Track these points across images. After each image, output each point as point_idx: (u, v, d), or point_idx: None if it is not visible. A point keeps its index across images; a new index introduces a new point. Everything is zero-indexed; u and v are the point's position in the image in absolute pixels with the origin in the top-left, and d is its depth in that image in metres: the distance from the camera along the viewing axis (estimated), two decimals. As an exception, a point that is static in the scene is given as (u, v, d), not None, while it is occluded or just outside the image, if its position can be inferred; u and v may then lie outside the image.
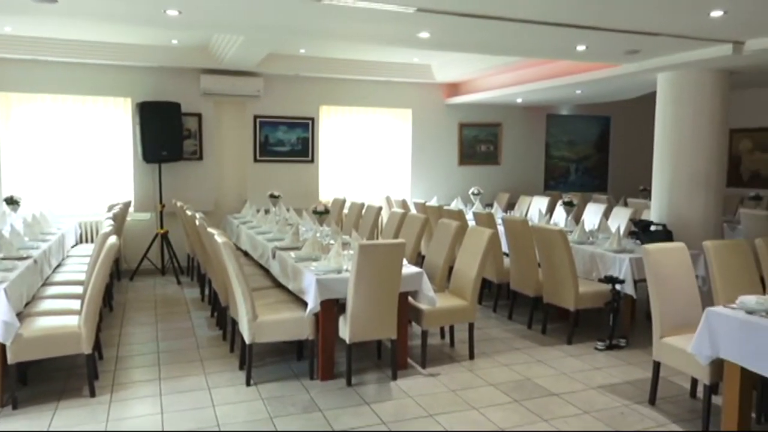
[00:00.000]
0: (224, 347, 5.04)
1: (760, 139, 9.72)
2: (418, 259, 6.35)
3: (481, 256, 4.77)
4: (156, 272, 8.13)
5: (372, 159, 9.71)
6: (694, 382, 4.06)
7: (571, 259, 5.18)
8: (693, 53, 5.32)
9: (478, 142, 10.39)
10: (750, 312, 3.27)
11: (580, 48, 5.19)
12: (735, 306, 3.40)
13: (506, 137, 10.57)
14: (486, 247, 4.77)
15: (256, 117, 8.88)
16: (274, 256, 5.24)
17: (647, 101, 7.42)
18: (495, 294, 6.41)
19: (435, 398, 4.04)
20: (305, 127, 9.16)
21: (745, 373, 3.30)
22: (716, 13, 3.99)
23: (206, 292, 6.65)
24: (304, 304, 4.31)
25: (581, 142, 11.21)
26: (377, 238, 7.67)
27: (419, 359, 4.65)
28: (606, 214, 7.40)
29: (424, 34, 4.94)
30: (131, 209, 8.08)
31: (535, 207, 8.54)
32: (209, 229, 4.91)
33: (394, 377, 4.35)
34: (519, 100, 9.47)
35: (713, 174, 6.06)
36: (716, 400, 3.64)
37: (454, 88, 9.98)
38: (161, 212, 8.03)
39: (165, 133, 7.69)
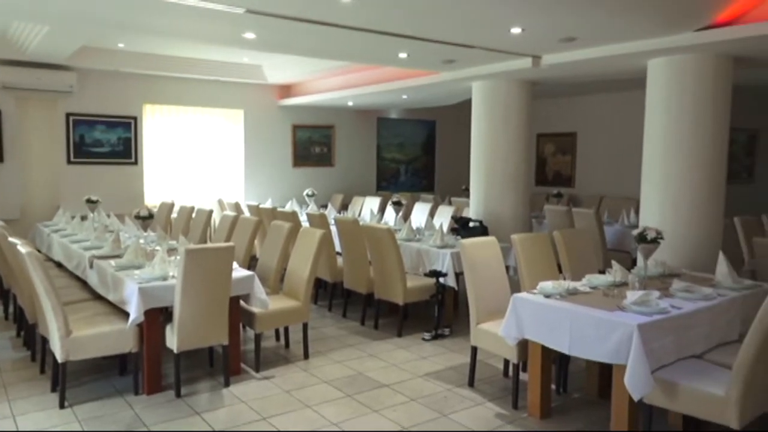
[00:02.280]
0: (33, 369, 4.56)
1: (561, 143, 10.99)
2: (252, 262, 6.26)
3: (313, 257, 4.83)
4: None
5: (203, 161, 9.37)
6: (507, 363, 4.47)
7: (399, 256, 5.45)
8: (501, 65, 5.88)
9: (312, 143, 10.50)
10: (547, 296, 3.70)
11: (402, 55, 5.49)
12: (536, 291, 3.83)
13: (339, 139, 10.80)
14: (318, 247, 4.85)
15: (69, 115, 8.14)
16: (91, 266, 4.84)
17: (467, 107, 8.04)
18: (329, 293, 6.52)
19: (269, 401, 4.02)
20: (127, 126, 8.58)
21: (545, 350, 3.73)
22: (516, 30, 4.46)
23: (11, 309, 5.95)
24: (127, 315, 4.05)
25: (410, 145, 11.81)
26: (209, 242, 7.41)
27: (253, 363, 4.59)
28: (432, 213, 7.89)
29: (250, 35, 4.89)
30: None
31: (367, 207, 8.83)
32: (11, 239, 4.41)
33: (227, 384, 4.26)
34: (350, 103, 9.73)
35: (522, 174, 6.74)
36: (525, 377, 4.05)
37: (286, 90, 9.97)
38: (-48, 221, 7.03)
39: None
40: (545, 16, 4.21)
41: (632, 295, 3.44)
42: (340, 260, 6.32)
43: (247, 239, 5.73)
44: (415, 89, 7.60)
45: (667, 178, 5.18)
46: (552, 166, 11.16)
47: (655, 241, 3.86)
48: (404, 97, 8.66)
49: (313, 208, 8.57)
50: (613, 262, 4.21)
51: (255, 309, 4.52)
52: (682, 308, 3.45)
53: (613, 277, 4.05)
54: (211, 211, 7.00)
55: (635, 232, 3.91)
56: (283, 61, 8.36)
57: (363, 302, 5.96)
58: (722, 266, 4.10)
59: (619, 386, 3.23)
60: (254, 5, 3.98)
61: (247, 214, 7.53)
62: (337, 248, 6.38)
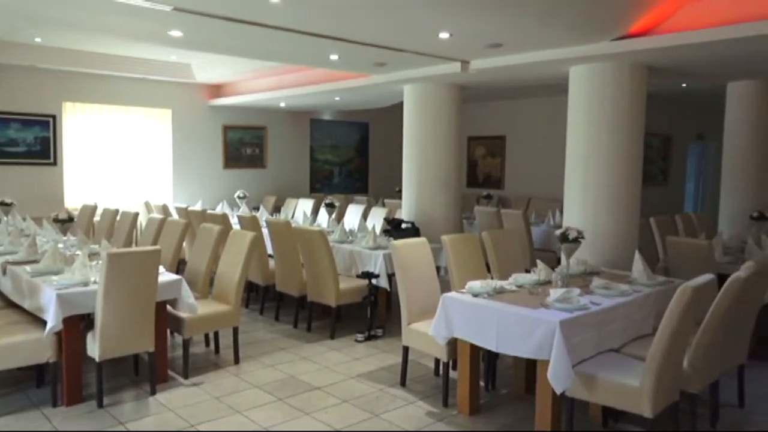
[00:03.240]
0: (-61, 383, 4.27)
1: (490, 146, 11.28)
2: (181, 266, 6.09)
3: (244, 260, 4.76)
4: None
5: (128, 162, 9.04)
6: (438, 362, 4.55)
7: (332, 258, 5.44)
8: (431, 69, 5.98)
9: (244, 144, 10.33)
10: (475, 295, 3.79)
11: (334, 57, 5.49)
12: (464, 291, 3.92)
13: (272, 140, 10.67)
14: (248, 250, 4.78)
15: (-21, 112, 7.66)
16: (4, 272, 4.58)
17: (400, 109, 8.13)
18: (261, 297, 6.44)
19: (198, 408, 3.93)
20: (45, 125, 8.17)
21: (473, 348, 3.82)
22: (444, 35, 4.55)
23: None
24: (44, 323, 3.86)
25: (344, 147, 11.81)
26: (134, 246, 7.15)
27: (181, 370, 4.47)
28: (365, 214, 7.92)
29: (176, 33, 4.77)
30: None
31: (300, 209, 8.77)
32: None
33: (153, 392, 4.13)
34: (283, 104, 9.64)
35: (452, 176, 6.88)
36: (455, 375, 4.13)
37: (216, 90, 9.76)
38: None
39: None
40: (472, 23, 4.32)
41: (555, 293, 3.58)
42: (272, 263, 6.25)
43: (175, 242, 5.57)
44: (347, 91, 7.61)
45: (587, 181, 5.42)
46: (482, 168, 11.44)
47: (576, 241, 4.03)
48: (337, 98, 8.66)
49: (244, 210, 8.43)
50: (538, 261, 4.36)
51: (183, 314, 4.41)
52: (601, 304, 3.62)
53: (538, 275, 4.19)
54: (136, 214, 6.76)
55: (558, 232, 4.07)
56: (213, 60, 8.18)
57: (295, 305, 5.91)
58: (638, 264, 4.33)
59: (543, 381, 3.36)
60: (182, 3, 3.89)
61: (175, 216, 7.32)
62: (269, 251, 6.31)
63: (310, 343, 5.36)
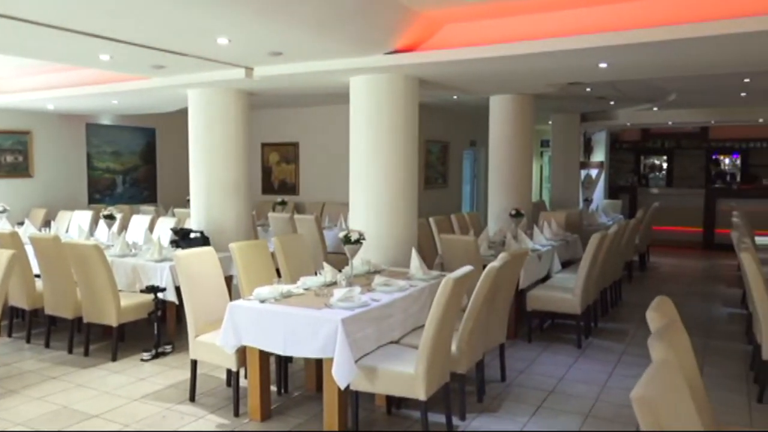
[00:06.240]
0: None
1: (284, 153, 11.35)
2: None
3: (0, 282, 4.19)
4: None
5: None
6: (230, 372, 4.46)
7: (110, 273, 5.05)
8: (215, 74, 5.85)
9: (3, 151, 9.08)
10: (262, 301, 3.80)
11: (104, 57, 5.10)
12: (252, 297, 3.90)
13: (39, 147, 9.54)
14: (5, 271, 4.22)
15: None
16: None
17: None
18: (28, 323, 5.72)
19: (-59, 458, 3.38)
20: None
21: (262, 354, 3.82)
22: (222, 41, 4.49)
23: None
24: None
25: (127, 153, 10.98)
26: None
27: None
28: (152, 226, 7.46)
29: None
30: None
31: (76, 222, 7.96)
32: None
33: None
34: (51, 107, 8.67)
35: (243, 183, 6.79)
36: (246, 383, 4.09)
37: (-36, 89, 8.44)
38: None
39: None
40: (249, 30, 4.33)
41: (338, 293, 3.73)
42: (39, 283, 5.59)
43: None
44: (125, 94, 7.10)
45: (368, 185, 5.73)
46: (277, 174, 11.47)
47: (358, 242, 4.25)
48: (115, 102, 8.03)
49: (5, 225, 7.41)
50: (324, 264, 4.51)
51: None
52: (380, 300, 3.86)
53: (324, 277, 4.33)
54: None
55: (341, 234, 4.26)
56: (-42, 55, 7.07)
57: (70, 328, 5.36)
58: (415, 261, 4.70)
59: (329, 378, 3.48)
60: None
61: None
62: (36, 270, 5.62)
63: (87, 368, 4.90)
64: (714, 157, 15.05)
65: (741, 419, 3.93)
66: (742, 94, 8.93)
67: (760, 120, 11.21)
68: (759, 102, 9.17)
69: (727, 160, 15.12)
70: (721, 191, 12.19)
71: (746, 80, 7.39)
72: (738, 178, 14.51)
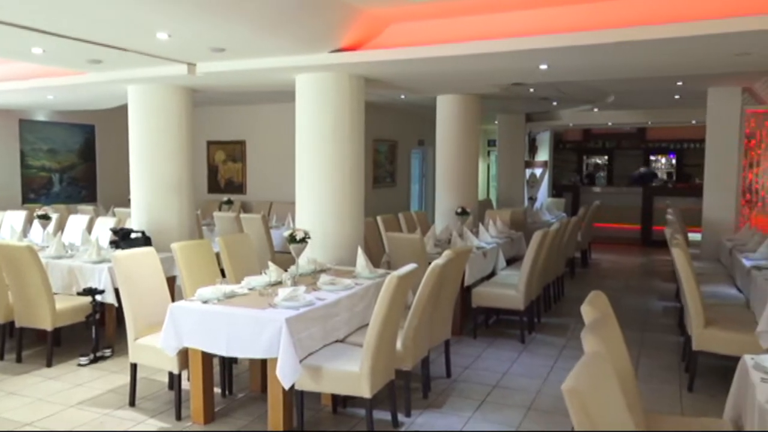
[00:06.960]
0: None
1: (231, 151, 11.17)
2: None
3: None
4: None
5: None
6: (171, 375, 4.36)
7: (44, 275, 4.85)
8: (155, 69, 5.69)
9: (-73, 149, 8.59)
10: (205, 301, 3.73)
11: (37, 51, 4.88)
12: (194, 298, 3.82)
13: (-33, 144, 9.06)
14: (-72, 274, 4.00)
15: None
16: None
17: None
18: (-45, 328, 5.43)
19: None
20: None
21: (205, 356, 3.75)
22: (162, 36, 4.37)
23: None
24: None
25: (64, 151, 10.56)
26: None
27: None
28: (90, 226, 7.21)
29: None
30: None
31: (8, 223, 7.60)
32: None
33: None
34: (-20, 102, 8.26)
35: (185, 182, 6.63)
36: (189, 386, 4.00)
37: None
38: None
39: None
40: (189, 25, 4.23)
41: (283, 292, 3.70)
42: (-33, 287, 5.31)
43: None
44: (60, 89, 6.82)
45: (314, 184, 5.69)
46: (224, 173, 11.27)
47: (304, 241, 4.23)
48: (50, 97, 7.70)
49: (-71, 227, 7.02)
50: (269, 263, 4.45)
51: None
52: (326, 299, 3.85)
53: (269, 277, 4.28)
54: None
55: (285, 233, 4.22)
56: None
57: (1, 333, 5.12)
58: (360, 259, 4.70)
59: (273, 378, 3.45)
60: None
61: None
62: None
63: (19, 375, 4.70)
64: (652, 157, 15.67)
65: (672, 407, 4.11)
66: (676, 97, 9.32)
67: (693, 121, 11.71)
68: (692, 104, 9.58)
69: (663, 160, 15.76)
70: (657, 190, 12.70)
71: (679, 83, 7.72)
72: (674, 177, 15.16)
